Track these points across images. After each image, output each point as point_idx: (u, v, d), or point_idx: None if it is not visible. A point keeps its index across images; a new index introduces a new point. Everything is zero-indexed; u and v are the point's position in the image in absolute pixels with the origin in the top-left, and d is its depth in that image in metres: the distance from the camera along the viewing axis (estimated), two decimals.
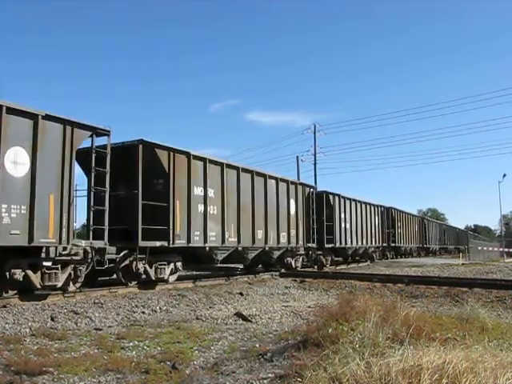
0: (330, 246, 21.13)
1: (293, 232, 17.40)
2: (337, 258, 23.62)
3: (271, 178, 16.45)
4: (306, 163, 42.88)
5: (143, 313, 8.71)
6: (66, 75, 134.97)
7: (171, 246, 11.78)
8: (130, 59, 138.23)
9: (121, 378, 4.66)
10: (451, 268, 22.31)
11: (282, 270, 16.98)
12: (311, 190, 19.77)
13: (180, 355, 5.48)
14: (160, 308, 9.16)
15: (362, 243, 24.99)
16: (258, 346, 6.08)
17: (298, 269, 17.94)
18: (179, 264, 12.58)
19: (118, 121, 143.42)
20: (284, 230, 16.81)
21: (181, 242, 12.08)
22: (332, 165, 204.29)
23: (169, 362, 5.17)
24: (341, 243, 22.19)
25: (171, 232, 11.77)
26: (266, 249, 15.80)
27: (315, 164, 42.13)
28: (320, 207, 20.57)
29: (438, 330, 5.29)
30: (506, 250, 41.82)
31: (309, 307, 9.50)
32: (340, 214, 22.39)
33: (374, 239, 26.98)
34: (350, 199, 23.89)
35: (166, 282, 12.24)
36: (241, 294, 11.52)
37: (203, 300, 10.43)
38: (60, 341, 6.26)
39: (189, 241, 12.29)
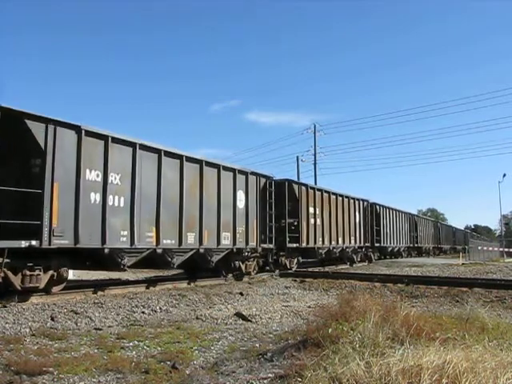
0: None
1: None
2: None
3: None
4: (306, 163, 43.01)
5: (143, 313, 8.71)
6: (65, 75, 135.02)
7: None
8: (129, 59, 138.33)
9: (121, 378, 4.65)
10: (451, 268, 22.31)
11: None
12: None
13: (180, 355, 5.48)
14: (160, 308, 9.16)
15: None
16: (258, 345, 6.08)
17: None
18: None
19: (118, 121, 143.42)
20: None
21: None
22: (332, 165, 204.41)
23: (169, 362, 5.17)
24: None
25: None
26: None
27: (315, 164, 42.23)
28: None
29: (438, 329, 5.29)
30: (506, 249, 41.91)
31: (309, 307, 9.50)
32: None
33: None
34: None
35: None
36: (241, 293, 11.52)
37: (203, 300, 10.44)
38: (60, 341, 6.26)
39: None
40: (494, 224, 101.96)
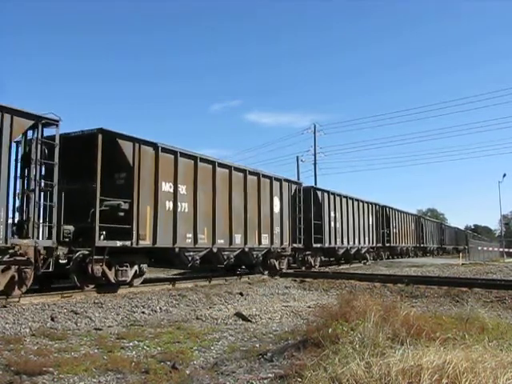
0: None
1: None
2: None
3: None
4: (306, 163, 42.97)
5: (143, 313, 8.71)
6: (65, 75, 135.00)
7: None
8: (129, 59, 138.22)
9: (121, 378, 4.65)
10: (451, 268, 22.29)
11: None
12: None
13: (180, 355, 5.48)
14: (160, 308, 9.16)
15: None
16: (257, 346, 6.08)
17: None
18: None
19: (118, 121, 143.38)
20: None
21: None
22: (332, 165, 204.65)
23: (169, 362, 5.17)
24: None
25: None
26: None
27: (315, 164, 42.20)
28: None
29: (438, 329, 5.29)
30: (506, 250, 41.93)
31: (309, 307, 9.50)
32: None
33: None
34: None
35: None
36: (241, 294, 11.52)
37: (203, 300, 10.44)
38: (60, 341, 6.26)
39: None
40: (494, 224, 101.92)
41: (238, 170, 14.70)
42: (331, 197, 21.32)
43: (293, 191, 17.74)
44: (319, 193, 20.50)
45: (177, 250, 12.07)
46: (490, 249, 38.62)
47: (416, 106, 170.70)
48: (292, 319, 8.31)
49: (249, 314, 8.52)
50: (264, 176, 15.92)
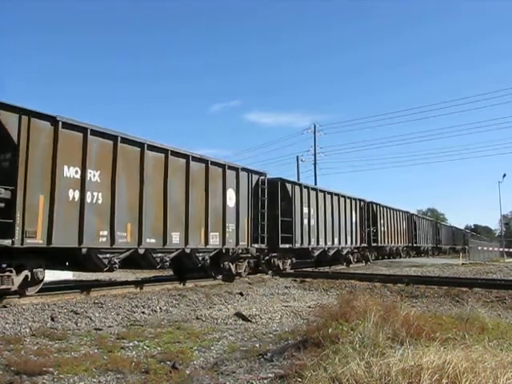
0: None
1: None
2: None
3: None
4: (306, 163, 42.98)
5: (143, 313, 8.71)
6: (65, 75, 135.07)
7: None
8: (129, 59, 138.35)
9: (121, 378, 4.65)
10: (451, 268, 22.30)
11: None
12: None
13: (180, 355, 5.48)
14: (160, 308, 9.16)
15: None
16: (257, 345, 6.08)
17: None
18: None
19: (118, 121, 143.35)
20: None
21: None
22: (332, 165, 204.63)
23: (169, 362, 5.17)
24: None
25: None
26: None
27: (315, 164, 42.23)
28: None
29: (438, 329, 5.29)
30: (506, 249, 41.97)
31: (309, 307, 9.50)
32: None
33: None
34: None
35: None
36: (241, 294, 11.52)
37: (203, 300, 10.44)
38: (60, 341, 6.26)
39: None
40: (494, 224, 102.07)
41: (177, 154, 11.93)
42: (304, 190, 18.29)
43: (254, 183, 14.86)
44: (289, 186, 17.39)
45: (84, 250, 9.55)
46: (490, 249, 38.65)
47: (416, 106, 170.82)
48: (292, 319, 8.31)
49: (249, 313, 8.51)
50: (214, 163, 13.21)
